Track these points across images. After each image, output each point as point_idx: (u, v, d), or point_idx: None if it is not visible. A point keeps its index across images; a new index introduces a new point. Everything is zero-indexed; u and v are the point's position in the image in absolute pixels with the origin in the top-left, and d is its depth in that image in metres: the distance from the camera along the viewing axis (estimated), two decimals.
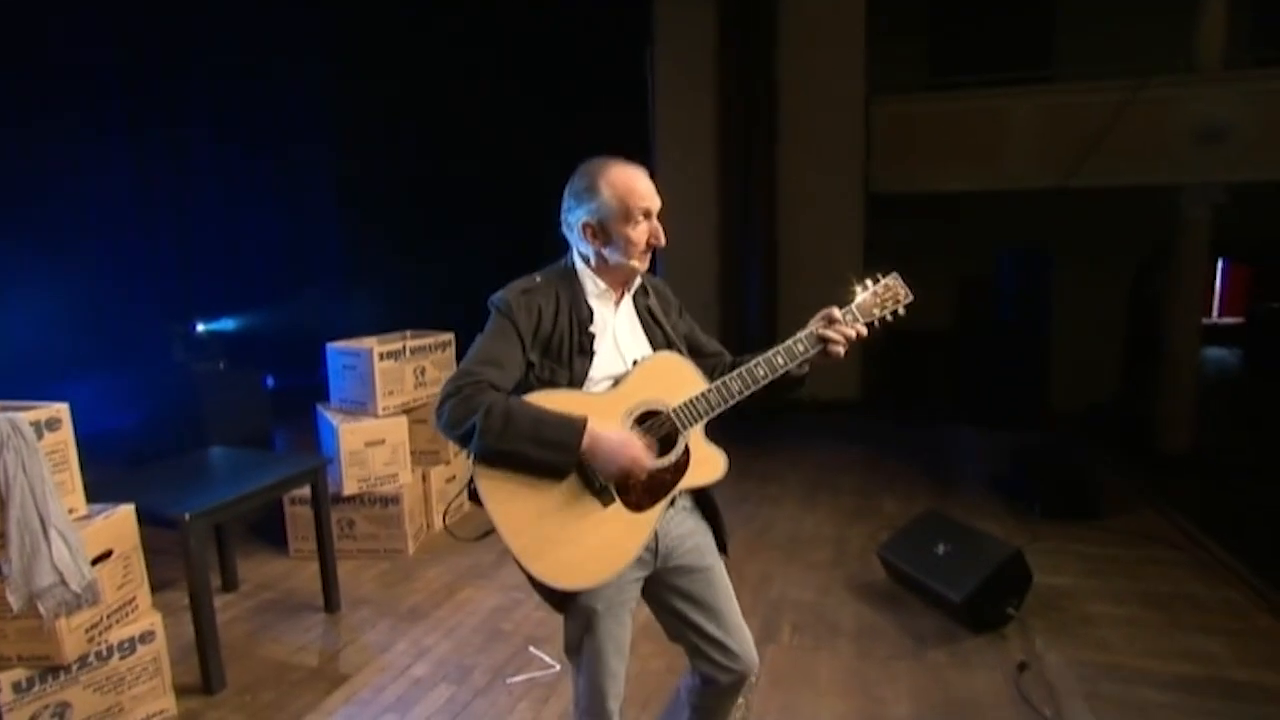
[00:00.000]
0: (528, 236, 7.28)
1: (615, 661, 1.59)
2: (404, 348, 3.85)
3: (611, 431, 1.41)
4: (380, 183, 7.40)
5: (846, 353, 1.57)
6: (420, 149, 7.48)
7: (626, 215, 1.49)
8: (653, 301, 1.65)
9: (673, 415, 1.48)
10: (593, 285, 1.57)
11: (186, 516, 2.41)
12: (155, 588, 3.16)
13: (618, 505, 1.45)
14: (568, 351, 1.50)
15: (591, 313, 1.55)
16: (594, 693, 1.59)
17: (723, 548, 1.69)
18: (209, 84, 6.89)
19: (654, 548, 1.56)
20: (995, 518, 4.18)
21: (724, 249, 7.00)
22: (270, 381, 6.75)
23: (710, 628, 1.63)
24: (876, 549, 3.46)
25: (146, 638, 2.30)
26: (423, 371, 3.96)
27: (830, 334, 1.55)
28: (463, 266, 7.32)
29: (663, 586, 1.63)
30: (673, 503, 1.56)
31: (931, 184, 6.99)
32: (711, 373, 1.62)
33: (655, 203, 1.53)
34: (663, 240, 1.54)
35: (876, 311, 1.61)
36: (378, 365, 3.70)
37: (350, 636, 2.97)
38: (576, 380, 1.50)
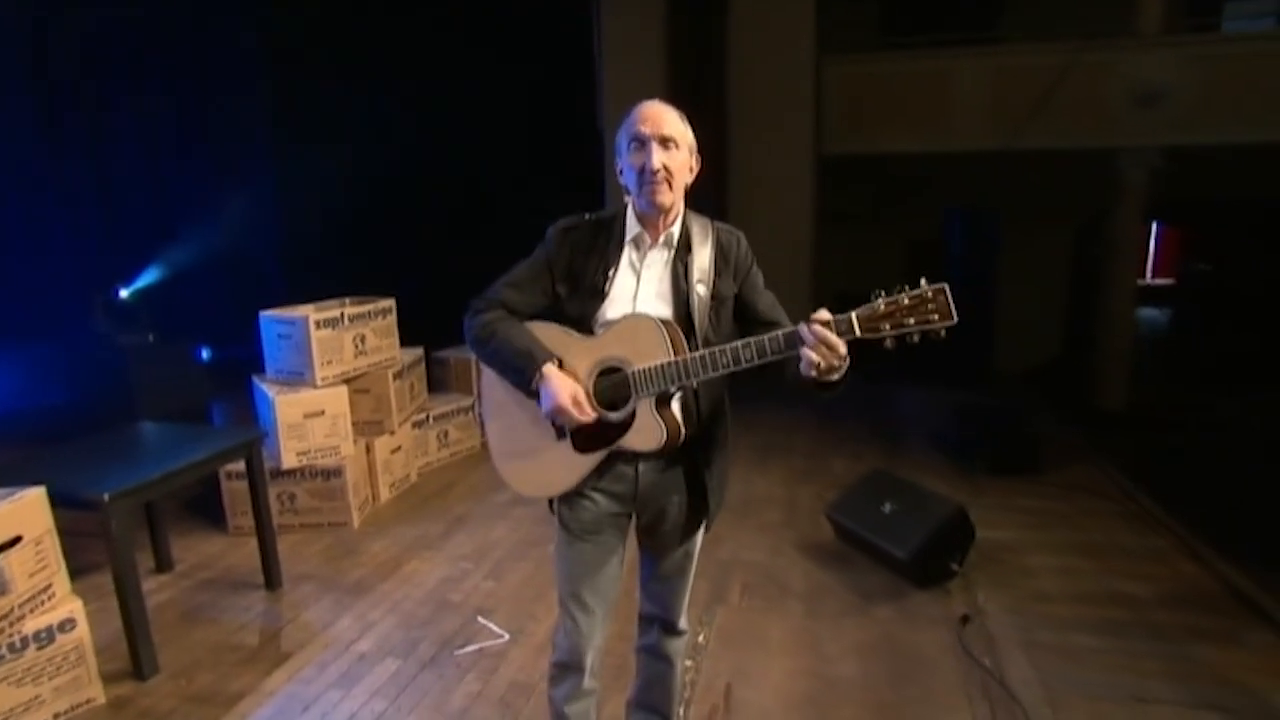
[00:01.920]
0: (474, 193, 7.07)
1: (585, 588, 1.63)
2: (342, 315, 3.70)
3: (561, 382, 1.48)
4: (315, 135, 6.98)
5: (826, 369, 1.30)
6: (357, 96, 7.04)
7: (626, 145, 1.49)
8: (696, 259, 1.53)
9: (630, 377, 1.47)
10: (631, 227, 1.54)
11: (106, 497, 2.27)
12: (84, 571, 3.04)
13: (567, 442, 1.56)
14: (585, 288, 1.54)
15: (619, 257, 1.54)
16: (562, 625, 1.66)
17: (705, 525, 1.70)
18: (124, 26, 6.35)
19: (633, 491, 1.59)
20: (940, 475, 4.28)
21: None
22: (205, 353, 6.46)
23: (639, 590, 1.79)
24: (825, 509, 3.51)
25: (66, 626, 2.18)
26: (362, 340, 3.81)
27: (805, 334, 1.30)
28: (405, 226, 7.07)
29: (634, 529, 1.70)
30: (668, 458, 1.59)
31: (881, 145, 6.99)
32: None
33: (647, 128, 1.44)
34: (650, 165, 1.43)
35: (887, 326, 1.28)
36: (314, 334, 3.54)
37: (292, 614, 2.88)
38: (586, 317, 1.53)
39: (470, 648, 2.62)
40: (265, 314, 3.66)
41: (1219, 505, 4.00)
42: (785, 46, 6.65)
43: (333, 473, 3.58)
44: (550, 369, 1.48)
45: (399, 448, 4.10)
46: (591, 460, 1.54)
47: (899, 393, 6.32)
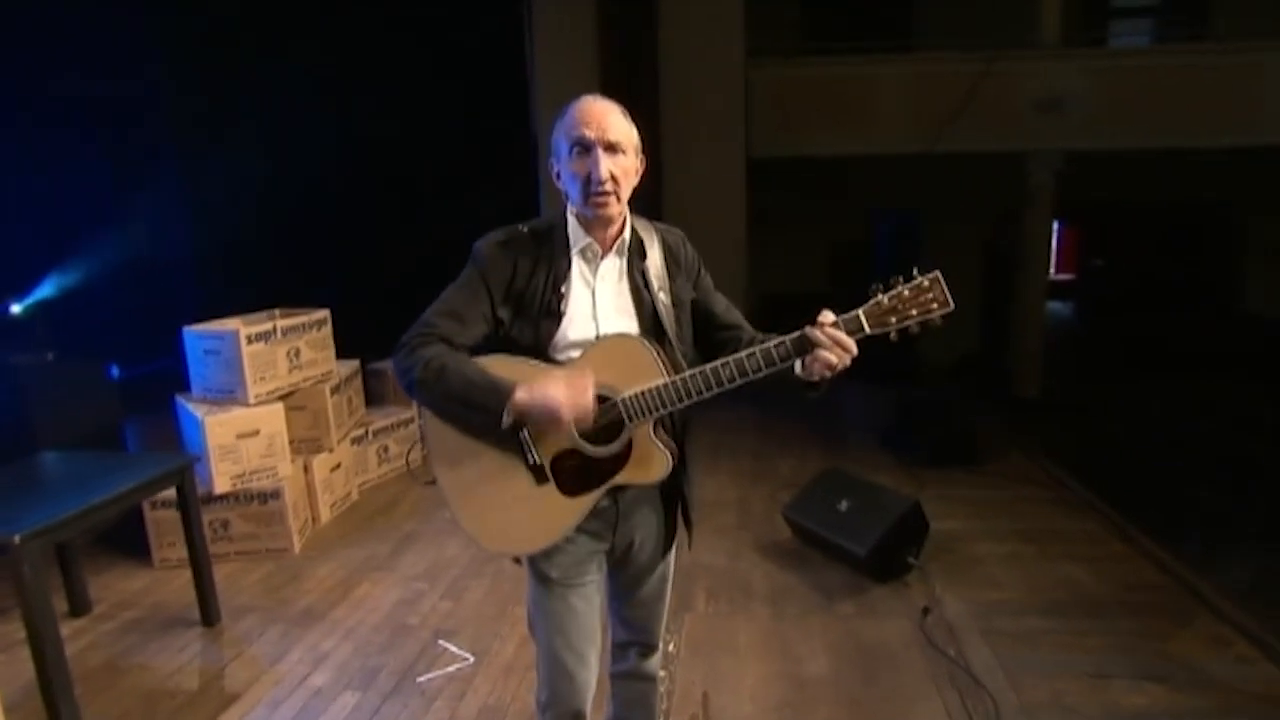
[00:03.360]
0: (403, 196, 6.80)
1: (579, 640, 1.49)
2: (274, 328, 3.49)
3: (546, 386, 1.28)
4: (229, 131, 6.49)
5: (838, 369, 1.31)
6: (273, 88, 6.58)
7: (567, 149, 1.35)
8: (651, 264, 1.44)
9: (621, 404, 1.34)
10: (576, 236, 1.41)
11: (16, 539, 2.04)
12: None
13: (551, 486, 1.39)
14: (536, 310, 1.38)
15: (569, 270, 1.39)
16: (554, 681, 1.50)
17: (689, 540, 1.63)
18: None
19: (613, 524, 1.48)
20: (883, 469, 4.41)
21: None
22: (115, 370, 5.97)
23: (611, 618, 1.68)
24: (782, 509, 3.54)
25: None
26: (297, 353, 3.61)
27: (818, 337, 1.28)
28: (331, 231, 6.73)
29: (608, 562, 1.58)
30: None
31: (806, 148, 7.14)
32: (721, 348, 1.47)
33: (591, 132, 1.31)
34: (597, 175, 1.31)
35: (893, 320, 1.28)
36: (245, 349, 3.32)
37: (235, 650, 2.68)
38: (542, 343, 1.38)
39: (434, 674, 2.50)
40: (190, 329, 3.41)
41: (1132, 484, 4.29)
42: (714, 49, 6.71)
43: (270, 495, 3.36)
44: (523, 390, 1.28)
45: (339, 465, 3.90)
46: (584, 503, 1.39)
47: (835, 391, 6.47)
